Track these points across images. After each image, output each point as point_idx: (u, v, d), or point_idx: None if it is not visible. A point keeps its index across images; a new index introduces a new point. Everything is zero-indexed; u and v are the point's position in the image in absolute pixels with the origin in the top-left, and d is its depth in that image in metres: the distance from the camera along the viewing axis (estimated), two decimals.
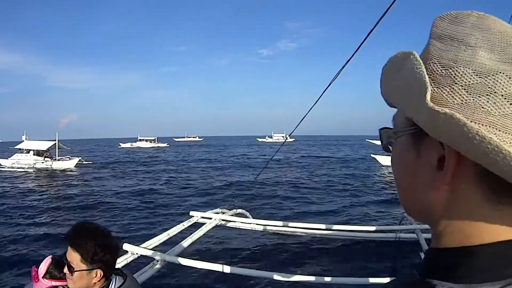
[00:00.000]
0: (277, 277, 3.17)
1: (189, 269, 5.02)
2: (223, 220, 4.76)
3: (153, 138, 75.65)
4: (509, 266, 0.34)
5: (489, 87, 0.34)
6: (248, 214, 5.27)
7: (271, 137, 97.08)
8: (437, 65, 0.37)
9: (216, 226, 4.66)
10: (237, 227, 5.02)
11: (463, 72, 0.36)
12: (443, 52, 0.38)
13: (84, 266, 1.30)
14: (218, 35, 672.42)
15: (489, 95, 0.34)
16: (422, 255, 3.69)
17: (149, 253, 3.28)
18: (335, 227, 5.18)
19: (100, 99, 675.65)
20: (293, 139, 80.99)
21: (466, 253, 0.36)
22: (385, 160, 23.37)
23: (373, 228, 5.03)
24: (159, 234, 3.92)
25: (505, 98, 0.33)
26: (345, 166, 27.97)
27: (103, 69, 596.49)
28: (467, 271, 0.35)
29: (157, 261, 3.20)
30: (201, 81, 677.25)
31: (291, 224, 5.18)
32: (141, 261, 3.31)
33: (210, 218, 4.63)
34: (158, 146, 70.26)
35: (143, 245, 3.50)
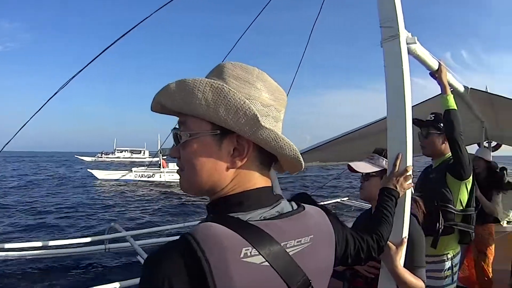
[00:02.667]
0: None
1: None
2: None
3: None
4: (267, 198, 0.68)
5: (267, 112, 0.67)
6: None
7: None
8: (237, 94, 0.63)
9: None
10: None
11: (255, 103, 0.65)
12: (240, 88, 0.65)
13: None
14: None
15: (267, 116, 0.67)
16: (139, 258, 3.77)
17: None
18: (34, 244, 4.47)
19: None
20: None
21: (245, 194, 0.66)
22: (101, 174, 23.63)
23: (82, 241, 4.79)
24: None
25: (272, 118, 0.68)
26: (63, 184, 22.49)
27: None
28: (248, 203, 0.65)
29: None
30: None
31: None
32: None
33: None
34: None
35: None
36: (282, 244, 0.63)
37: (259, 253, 0.58)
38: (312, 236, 0.70)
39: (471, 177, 2.05)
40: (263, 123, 0.63)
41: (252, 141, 0.66)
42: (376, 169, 1.46)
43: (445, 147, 2.11)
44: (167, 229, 6.30)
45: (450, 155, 2.06)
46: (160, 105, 0.69)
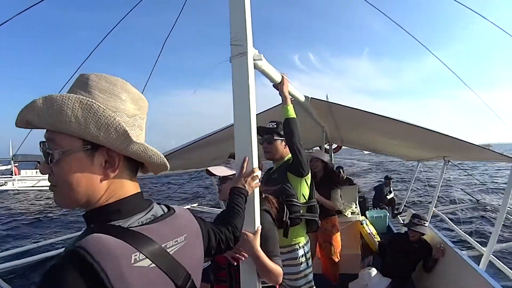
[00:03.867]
0: None
1: None
2: None
3: None
4: (141, 204, 0.74)
5: (132, 123, 0.71)
6: None
7: None
8: (107, 110, 0.65)
9: None
10: None
11: (121, 115, 0.69)
12: (107, 101, 0.67)
13: None
14: None
15: (133, 126, 0.71)
16: None
17: None
18: None
19: None
20: None
21: (123, 202, 0.71)
22: None
23: None
24: None
25: (137, 127, 0.72)
26: None
27: None
28: (126, 210, 0.70)
29: None
30: None
31: None
32: None
33: None
34: None
35: None
36: (162, 245, 0.71)
37: (146, 256, 0.65)
38: (185, 235, 0.79)
39: (309, 174, 2.27)
40: (133, 138, 0.68)
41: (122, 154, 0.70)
42: (232, 172, 1.55)
43: (286, 151, 2.29)
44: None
45: (290, 157, 2.25)
46: (25, 121, 0.63)
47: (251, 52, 1.34)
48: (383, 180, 9.14)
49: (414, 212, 5.14)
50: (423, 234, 3.45)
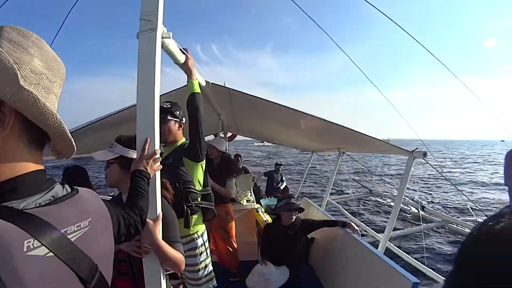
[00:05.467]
0: None
1: None
2: None
3: None
4: (41, 183, 0.64)
5: (37, 80, 0.62)
6: None
7: None
8: (4, 54, 0.56)
9: None
10: None
11: (24, 68, 0.60)
12: (11, 51, 0.59)
13: None
14: None
15: (37, 85, 0.62)
16: None
17: None
18: None
19: None
20: None
21: (18, 180, 0.60)
22: None
23: None
24: None
25: (42, 88, 0.62)
26: None
27: None
28: (22, 189, 0.59)
29: None
30: None
31: None
32: None
33: None
34: None
35: None
36: (62, 231, 0.60)
37: (42, 244, 0.55)
38: (90, 219, 0.68)
39: (205, 160, 2.21)
40: (22, 84, 0.58)
41: (14, 110, 0.60)
42: (114, 156, 1.48)
43: (179, 133, 2.22)
44: None
45: (183, 141, 2.20)
46: None
47: (161, 29, 1.29)
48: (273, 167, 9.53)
49: (307, 199, 5.50)
50: (301, 210, 3.36)
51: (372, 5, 2.38)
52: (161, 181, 1.55)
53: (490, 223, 0.38)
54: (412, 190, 10.75)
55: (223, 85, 2.87)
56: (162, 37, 1.32)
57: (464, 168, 26.28)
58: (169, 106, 2.19)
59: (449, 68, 3.03)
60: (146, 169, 1.25)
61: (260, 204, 5.90)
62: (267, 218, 4.92)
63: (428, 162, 3.08)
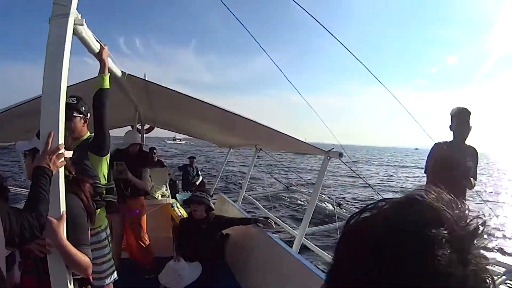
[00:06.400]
0: None
1: None
2: None
3: None
4: None
5: None
6: None
7: None
8: None
9: None
10: None
11: None
12: None
13: None
14: None
15: None
16: None
17: None
18: None
19: None
20: None
21: None
22: None
23: None
24: None
25: None
26: None
27: None
28: None
29: None
30: None
31: None
32: None
33: None
34: None
35: None
36: None
37: None
38: None
39: (108, 154, 2.23)
40: None
41: None
42: (29, 147, 1.41)
43: (85, 129, 2.21)
44: None
45: (88, 136, 2.20)
46: None
47: (74, 14, 1.21)
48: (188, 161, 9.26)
49: (222, 195, 5.54)
50: (209, 208, 3.30)
51: (301, 6, 2.49)
52: (78, 180, 1.46)
53: (355, 216, 0.39)
54: (327, 188, 10.94)
55: (140, 77, 2.79)
56: (74, 24, 1.23)
57: (379, 170, 29.51)
58: (75, 101, 2.13)
59: (376, 76, 3.21)
60: (49, 166, 1.16)
61: (176, 199, 5.72)
62: (182, 213, 4.86)
63: (343, 162, 3.13)
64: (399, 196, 0.37)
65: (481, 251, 0.33)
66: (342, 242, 0.39)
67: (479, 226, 0.34)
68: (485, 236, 0.34)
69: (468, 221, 0.34)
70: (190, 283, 2.99)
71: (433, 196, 0.35)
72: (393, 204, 0.36)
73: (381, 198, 0.39)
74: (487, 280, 0.32)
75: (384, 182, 21.89)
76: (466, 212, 0.35)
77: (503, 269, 4.07)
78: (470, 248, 0.32)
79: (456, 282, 0.30)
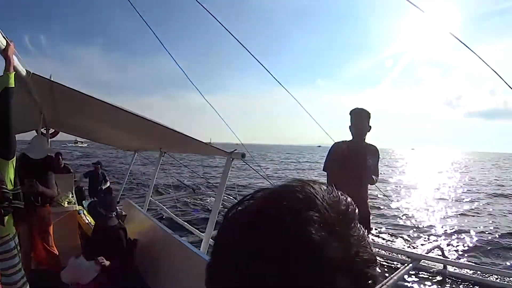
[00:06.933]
0: None
1: None
2: None
3: None
4: None
5: None
6: None
7: None
8: None
9: None
10: None
11: None
12: None
13: None
14: None
15: None
16: None
17: None
18: None
19: None
20: None
21: None
22: None
23: None
24: None
25: None
26: None
27: None
28: None
29: None
30: None
31: None
32: None
33: None
34: None
35: None
36: None
37: None
38: None
39: (15, 157, 2.12)
40: None
41: None
42: None
43: None
44: None
45: None
46: None
47: None
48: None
49: (129, 200, 5.39)
50: (114, 224, 3.21)
51: (202, 5, 2.64)
52: None
53: (235, 207, 0.38)
54: (231, 190, 10.80)
55: (47, 77, 2.60)
56: None
57: (282, 168, 30.62)
58: None
59: (275, 78, 3.37)
60: None
61: (83, 205, 5.48)
62: (89, 220, 4.70)
63: (246, 163, 3.09)
64: (274, 186, 0.38)
65: (356, 232, 0.35)
66: (220, 229, 0.39)
67: (348, 210, 0.36)
68: (356, 220, 0.36)
69: (339, 206, 0.35)
70: (90, 280, 2.94)
71: (306, 185, 0.36)
72: (268, 193, 0.37)
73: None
74: (364, 257, 0.34)
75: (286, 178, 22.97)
76: (338, 199, 0.36)
77: (409, 259, 4.71)
78: (343, 230, 0.34)
79: (330, 257, 0.31)
